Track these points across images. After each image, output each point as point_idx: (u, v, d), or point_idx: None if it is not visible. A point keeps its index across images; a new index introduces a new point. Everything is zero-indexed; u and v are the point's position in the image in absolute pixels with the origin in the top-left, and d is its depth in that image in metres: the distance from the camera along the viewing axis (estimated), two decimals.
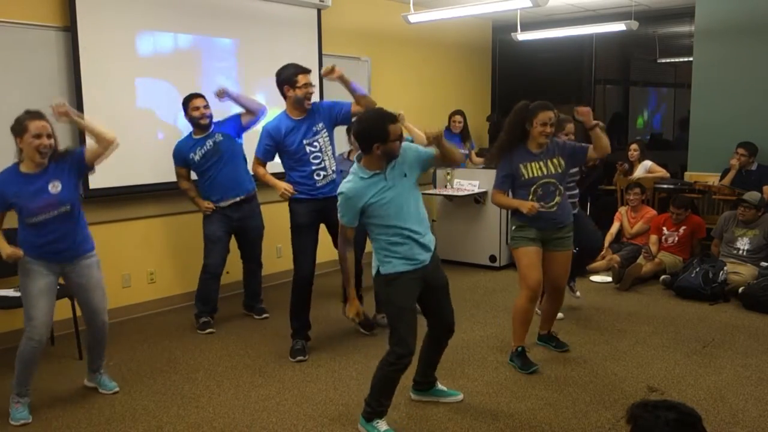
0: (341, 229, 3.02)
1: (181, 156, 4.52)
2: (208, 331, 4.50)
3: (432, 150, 3.11)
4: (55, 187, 3.15)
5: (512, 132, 3.73)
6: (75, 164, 3.25)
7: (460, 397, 3.41)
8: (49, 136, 3.11)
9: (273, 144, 3.95)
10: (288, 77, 3.86)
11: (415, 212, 3.00)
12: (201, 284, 4.59)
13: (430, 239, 3.09)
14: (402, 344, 2.94)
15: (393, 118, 2.90)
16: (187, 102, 4.47)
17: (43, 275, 3.21)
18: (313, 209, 3.97)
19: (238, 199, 4.54)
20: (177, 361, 4.02)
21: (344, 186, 2.96)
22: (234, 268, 4.92)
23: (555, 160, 3.74)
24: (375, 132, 2.86)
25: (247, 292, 4.91)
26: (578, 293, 5.03)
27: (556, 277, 3.88)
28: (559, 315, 4.51)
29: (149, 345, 4.29)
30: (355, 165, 3.00)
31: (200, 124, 4.45)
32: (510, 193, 3.86)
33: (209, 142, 4.47)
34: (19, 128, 3.09)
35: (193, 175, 4.63)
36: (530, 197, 3.68)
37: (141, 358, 4.04)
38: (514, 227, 3.79)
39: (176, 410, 3.33)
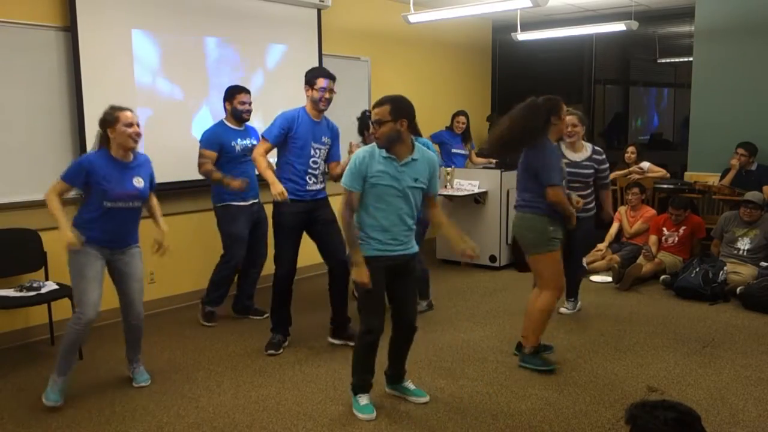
0: (347, 196, 3.09)
1: (218, 141, 4.46)
2: (212, 324, 4.63)
3: (435, 194, 3.30)
4: (138, 182, 3.41)
5: (535, 125, 3.65)
6: (150, 179, 3.52)
7: (425, 399, 3.39)
8: (138, 125, 3.35)
9: (286, 130, 3.97)
10: (310, 78, 4.02)
11: (396, 215, 3.12)
12: (223, 278, 4.66)
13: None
14: (364, 322, 3.20)
15: (375, 103, 3.14)
16: (234, 93, 4.51)
17: (98, 258, 3.35)
18: (301, 210, 4.03)
19: (257, 200, 4.68)
20: (177, 361, 4.02)
21: (361, 150, 3.13)
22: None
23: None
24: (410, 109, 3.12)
25: (246, 293, 4.88)
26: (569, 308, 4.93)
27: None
28: (567, 310, 4.78)
29: (149, 345, 4.27)
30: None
31: (243, 117, 4.53)
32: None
33: (249, 141, 4.55)
34: (111, 119, 3.30)
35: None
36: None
37: (141, 357, 4.03)
38: (551, 228, 3.71)
39: (176, 410, 3.34)
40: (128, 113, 3.32)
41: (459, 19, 7.00)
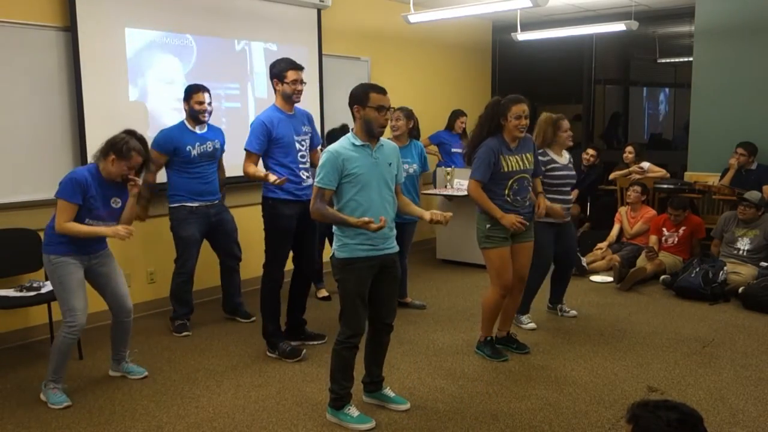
0: (318, 192, 3.01)
1: (172, 144, 4.32)
2: (185, 333, 4.46)
3: (401, 182, 3.27)
4: (116, 203, 3.45)
5: (487, 126, 3.79)
6: (126, 195, 3.51)
7: (406, 406, 3.31)
8: (134, 170, 3.40)
9: (266, 135, 3.87)
10: (278, 72, 3.92)
11: (381, 201, 3.07)
12: (180, 286, 4.53)
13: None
14: (348, 327, 3.09)
15: (379, 89, 3.07)
16: (191, 93, 4.37)
17: (78, 267, 3.41)
18: (296, 212, 3.95)
19: (216, 201, 4.55)
20: (177, 361, 4.02)
21: (333, 146, 3.05)
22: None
23: (529, 155, 3.86)
24: (356, 95, 3.06)
25: (230, 292, 4.81)
26: (573, 311, 4.85)
27: (521, 267, 3.94)
28: (573, 312, 4.82)
29: (149, 345, 4.28)
30: (349, 133, 3.11)
31: (200, 119, 4.39)
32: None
33: (210, 144, 4.44)
34: (125, 153, 3.31)
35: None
36: (506, 191, 3.75)
37: (141, 358, 4.03)
38: (488, 225, 3.76)
39: (176, 410, 3.33)
40: (139, 158, 3.36)
41: (459, 19, 7.00)
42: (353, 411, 3.15)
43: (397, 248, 3.18)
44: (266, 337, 4.07)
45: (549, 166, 4.35)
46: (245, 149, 3.92)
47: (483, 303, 3.96)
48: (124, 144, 3.30)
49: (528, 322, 4.58)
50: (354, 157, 3.00)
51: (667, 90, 8.34)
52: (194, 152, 4.38)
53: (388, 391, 3.37)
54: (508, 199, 3.76)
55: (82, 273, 3.44)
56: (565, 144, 4.43)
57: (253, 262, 5.49)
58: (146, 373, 3.71)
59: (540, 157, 4.36)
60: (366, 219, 2.93)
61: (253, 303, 5.00)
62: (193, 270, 4.56)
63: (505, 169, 3.72)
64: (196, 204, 4.42)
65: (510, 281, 3.82)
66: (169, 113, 4.92)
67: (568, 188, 4.49)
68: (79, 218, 3.32)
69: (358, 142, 3.03)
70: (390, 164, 3.11)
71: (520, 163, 3.77)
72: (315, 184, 3.03)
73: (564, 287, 4.83)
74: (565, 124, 4.42)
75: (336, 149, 3.02)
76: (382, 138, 3.14)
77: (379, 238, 3.04)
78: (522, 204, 3.81)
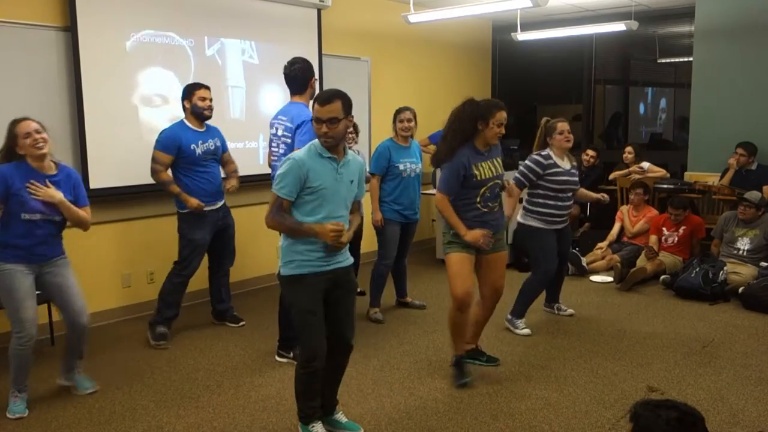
0: (277, 201, 2.77)
1: (176, 143, 4.19)
2: (163, 344, 4.25)
3: (361, 199, 3.05)
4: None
5: (463, 130, 3.55)
6: (74, 193, 3.37)
7: None
8: (38, 132, 3.20)
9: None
10: (311, 70, 4.00)
11: (336, 219, 2.84)
12: (175, 287, 4.36)
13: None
14: (306, 348, 2.86)
15: (321, 99, 2.76)
16: (193, 90, 4.27)
17: (26, 275, 3.25)
18: None
19: (221, 204, 4.47)
20: (177, 361, 4.02)
21: (298, 153, 2.81)
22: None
23: (498, 160, 3.67)
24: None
25: (219, 297, 4.69)
26: (570, 310, 4.86)
27: (496, 278, 3.70)
28: (570, 311, 4.83)
29: (149, 345, 4.28)
30: (316, 140, 2.84)
31: (204, 115, 4.28)
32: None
33: (211, 143, 4.36)
34: (11, 135, 3.22)
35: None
36: (478, 199, 3.53)
37: (141, 357, 4.04)
38: (452, 231, 3.55)
39: (176, 410, 3.33)
40: (25, 123, 3.18)
41: (459, 19, 7.00)
42: (317, 428, 2.94)
43: (350, 261, 2.96)
44: (282, 341, 3.99)
45: (551, 170, 4.32)
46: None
47: (448, 320, 3.67)
48: (8, 132, 3.21)
49: (523, 327, 4.45)
50: (318, 170, 2.76)
51: (649, 90, 8.35)
52: (198, 150, 4.28)
53: (341, 416, 3.11)
54: (479, 206, 3.56)
55: (31, 281, 3.26)
56: (562, 147, 4.36)
57: (249, 263, 5.49)
58: (97, 388, 3.54)
59: (543, 161, 4.34)
60: (331, 226, 2.74)
61: (245, 305, 5.01)
62: (194, 274, 4.45)
63: (479, 177, 3.51)
64: (207, 209, 4.32)
65: (463, 293, 3.51)
66: (170, 113, 4.92)
67: (570, 194, 4.44)
68: (14, 213, 3.16)
69: (325, 154, 2.78)
70: (352, 182, 2.89)
71: (492, 169, 3.57)
72: (274, 191, 2.78)
73: (559, 287, 4.84)
74: (561, 126, 4.34)
75: (302, 158, 2.75)
76: (350, 152, 2.92)
77: (330, 252, 2.83)
78: (492, 209, 3.61)
